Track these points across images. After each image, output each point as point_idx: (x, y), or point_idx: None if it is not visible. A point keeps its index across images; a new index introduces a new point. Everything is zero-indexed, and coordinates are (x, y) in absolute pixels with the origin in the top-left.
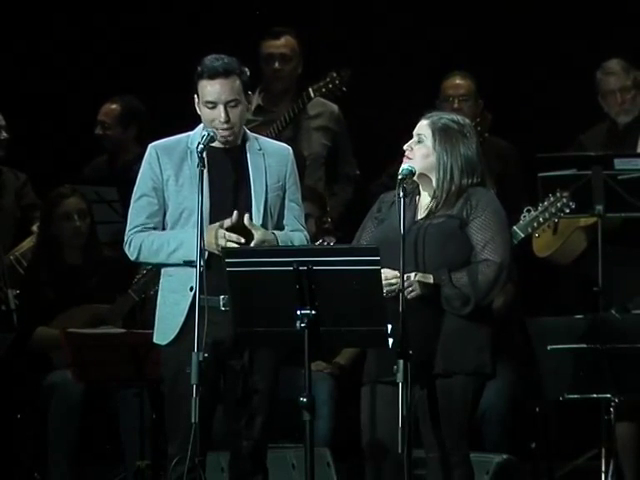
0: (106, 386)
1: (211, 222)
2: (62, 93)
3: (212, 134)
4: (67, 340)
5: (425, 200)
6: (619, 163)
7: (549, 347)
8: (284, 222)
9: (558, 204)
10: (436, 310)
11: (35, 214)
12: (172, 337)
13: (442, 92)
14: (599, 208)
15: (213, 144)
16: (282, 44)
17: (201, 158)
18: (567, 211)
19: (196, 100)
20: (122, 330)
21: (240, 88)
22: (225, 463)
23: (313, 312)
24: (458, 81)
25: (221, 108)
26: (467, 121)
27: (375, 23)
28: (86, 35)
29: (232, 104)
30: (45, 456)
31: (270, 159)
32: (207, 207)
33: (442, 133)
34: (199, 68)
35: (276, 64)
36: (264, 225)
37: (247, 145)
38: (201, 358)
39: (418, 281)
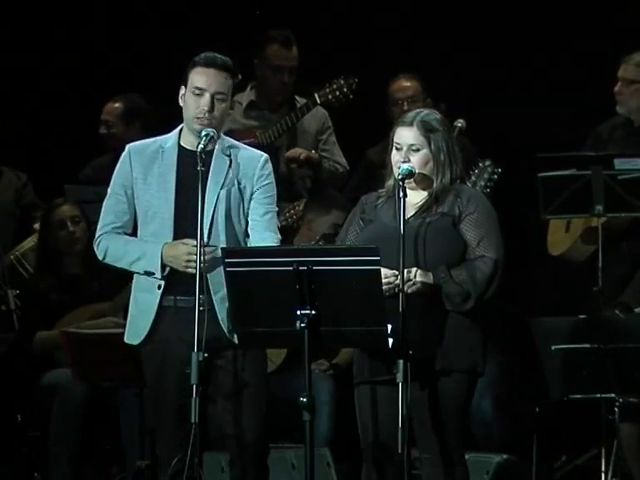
0: (106, 386)
1: (175, 223)
2: (62, 93)
3: (212, 134)
4: (67, 340)
5: (415, 198)
6: (619, 163)
7: (553, 347)
8: (250, 226)
9: (485, 175)
10: (434, 308)
11: (36, 213)
12: (143, 337)
13: (390, 95)
14: (599, 208)
15: (185, 145)
16: (293, 56)
17: (201, 158)
18: (496, 177)
19: (181, 92)
20: (122, 330)
21: (230, 88)
22: (225, 463)
23: (313, 312)
24: (404, 83)
25: (207, 96)
26: (437, 112)
27: (374, 28)
28: (86, 35)
29: (219, 97)
30: (45, 456)
31: (235, 162)
32: (172, 207)
33: (432, 134)
34: (195, 58)
35: (285, 78)
36: (212, 228)
37: (216, 149)
38: (201, 358)
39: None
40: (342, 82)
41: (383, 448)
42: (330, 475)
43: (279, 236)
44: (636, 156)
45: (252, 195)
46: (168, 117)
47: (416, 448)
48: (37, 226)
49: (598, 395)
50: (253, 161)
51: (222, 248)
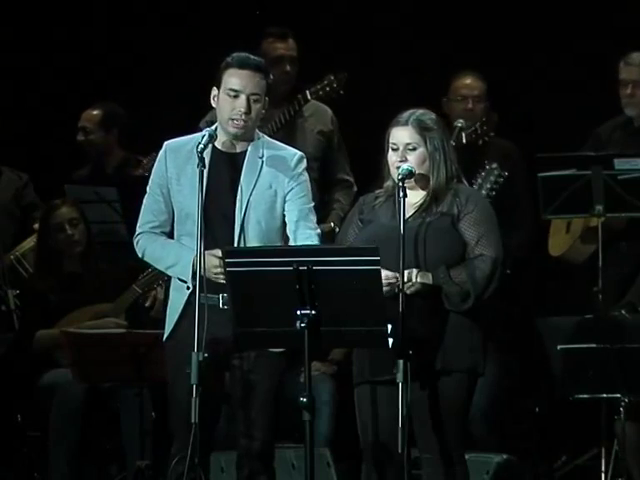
0: (106, 386)
1: (207, 226)
2: (62, 93)
3: (212, 134)
4: (67, 340)
5: (413, 198)
6: (619, 163)
7: (559, 347)
8: (289, 228)
9: (491, 177)
10: (434, 308)
11: (36, 214)
12: (167, 333)
13: (453, 91)
14: (599, 208)
15: (219, 147)
16: (291, 46)
17: (201, 158)
18: (502, 180)
19: (214, 93)
20: (122, 330)
21: (264, 88)
22: (225, 463)
23: (313, 312)
24: (472, 81)
25: (243, 98)
26: (431, 112)
27: (374, 28)
28: (86, 35)
29: (255, 98)
30: (45, 456)
31: (268, 166)
32: (201, 209)
33: (427, 133)
34: (228, 59)
35: (287, 67)
36: (243, 232)
37: (249, 151)
38: (201, 358)
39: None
40: (332, 78)
41: (383, 448)
42: (330, 475)
43: (319, 230)
44: (636, 156)
45: (286, 196)
46: (169, 117)
47: (416, 448)
48: (37, 226)
49: (604, 395)
50: (286, 161)
51: (222, 249)
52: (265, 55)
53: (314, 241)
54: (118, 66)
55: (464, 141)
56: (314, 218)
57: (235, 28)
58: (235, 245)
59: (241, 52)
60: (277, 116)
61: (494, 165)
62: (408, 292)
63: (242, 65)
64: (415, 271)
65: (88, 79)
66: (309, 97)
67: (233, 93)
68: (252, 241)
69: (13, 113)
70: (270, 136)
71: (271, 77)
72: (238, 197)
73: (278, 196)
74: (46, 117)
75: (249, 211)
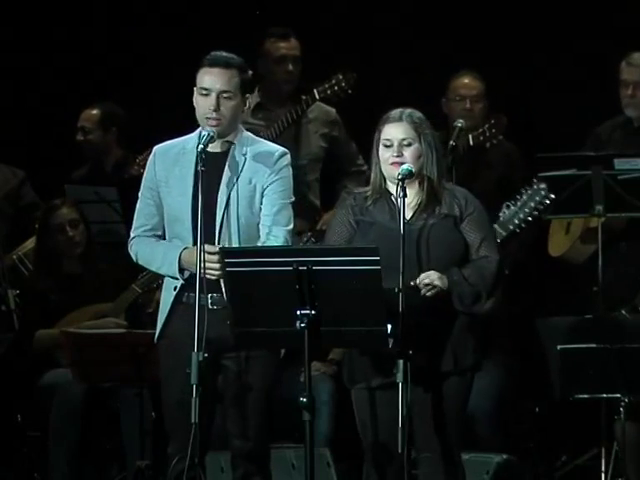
0: (106, 386)
1: (193, 227)
2: (62, 93)
3: (212, 134)
4: (67, 340)
5: (408, 198)
6: (619, 163)
7: (559, 347)
8: (260, 223)
9: (537, 197)
10: (441, 309)
11: (37, 214)
12: (157, 333)
13: (452, 91)
14: (599, 208)
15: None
16: (293, 46)
17: (201, 158)
18: (547, 202)
19: (195, 94)
20: (122, 330)
21: (237, 84)
22: (225, 463)
23: (313, 312)
24: (470, 81)
25: (213, 96)
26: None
27: (374, 28)
28: (86, 35)
29: (225, 95)
30: (45, 456)
31: (251, 162)
32: (189, 211)
33: (421, 129)
34: (203, 59)
35: (290, 66)
36: (222, 230)
37: (233, 150)
38: (201, 358)
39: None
40: (341, 77)
41: (383, 449)
42: (330, 475)
43: (290, 227)
44: (636, 156)
45: (263, 192)
46: (168, 117)
47: (415, 448)
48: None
49: (604, 395)
50: (268, 157)
51: (221, 248)
52: (268, 55)
53: (279, 241)
54: (118, 66)
55: (471, 143)
56: (288, 214)
57: (235, 28)
58: (216, 242)
59: (217, 51)
60: (283, 116)
61: (542, 185)
62: (428, 294)
63: (212, 63)
64: (436, 274)
65: (88, 79)
66: (317, 96)
67: (204, 92)
68: (233, 237)
69: (13, 113)
70: (275, 136)
71: (250, 72)
72: (219, 194)
73: (257, 191)
74: (46, 117)
75: (229, 207)
